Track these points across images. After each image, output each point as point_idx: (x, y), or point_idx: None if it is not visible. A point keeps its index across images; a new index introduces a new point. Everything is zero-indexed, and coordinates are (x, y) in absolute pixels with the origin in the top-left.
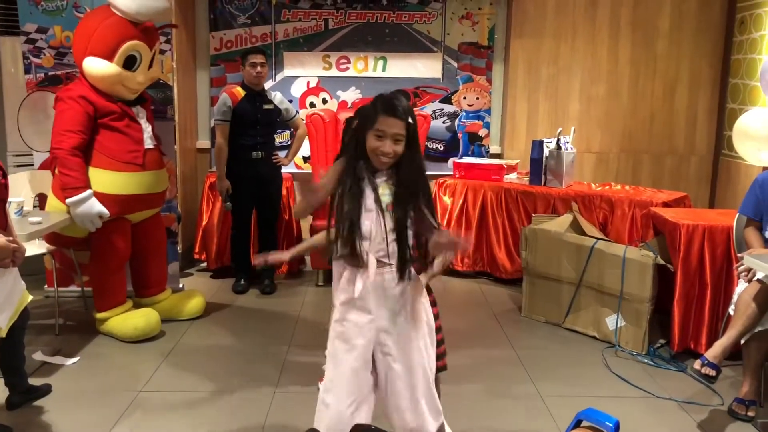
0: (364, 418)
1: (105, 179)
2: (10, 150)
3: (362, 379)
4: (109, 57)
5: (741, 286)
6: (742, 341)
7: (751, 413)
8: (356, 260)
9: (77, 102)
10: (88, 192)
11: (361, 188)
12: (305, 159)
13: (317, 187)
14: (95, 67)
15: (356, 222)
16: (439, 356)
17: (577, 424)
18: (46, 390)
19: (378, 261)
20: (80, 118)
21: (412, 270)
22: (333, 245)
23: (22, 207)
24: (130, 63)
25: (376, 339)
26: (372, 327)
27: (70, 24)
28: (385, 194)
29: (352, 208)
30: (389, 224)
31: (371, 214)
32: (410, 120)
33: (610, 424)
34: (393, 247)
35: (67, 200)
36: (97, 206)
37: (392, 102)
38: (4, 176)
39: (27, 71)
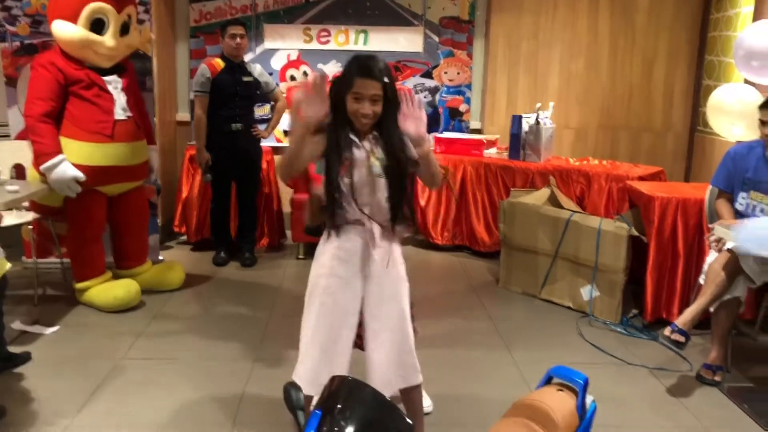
0: (342, 370)
1: (73, 149)
2: None
3: (341, 332)
4: (73, 19)
5: (711, 256)
6: (711, 309)
7: (717, 378)
8: (351, 221)
9: (47, 69)
10: (60, 157)
11: (353, 156)
12: (285, 132)
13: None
14: (62, 30)
15: (357, 189)
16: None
17: (548, 381)
18: (25, 357)
19: (373, 221)
20: (50, 86)
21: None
22: (328, 209)
23: (0, 176)
24: (98, 27)
25: (361, 294)
26: (357, 283)
27: None
28: (376, 162)
29: (347, 175)
30: (383, 189)
31: (365, 180)
32: (386, 80)
33: (580, 381)
34: (386, 210)
35: (41, 167)
36: (70, 170)
37: (367, 63)
38: None
39: (2, 39)
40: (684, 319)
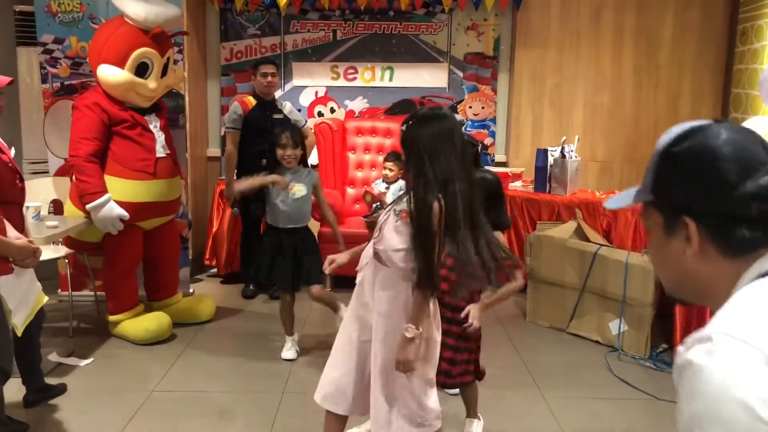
0: (356, 391)
1: (116, 187)
2: (25, 158)
3: (353, 354)
4: (120, 64)
5: None
6: None
7: None
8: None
9: (91, 110)
10: (107, 196)
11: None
12: (313, 167)
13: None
14: (108, 74)
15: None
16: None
17: None
18: (61, 389)
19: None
20: (95, 125)
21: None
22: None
23: (39, 211)
24: (142, 70)
25: (369, 326)
26: (364, 314)
27: (86, 34)
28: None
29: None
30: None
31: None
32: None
33: None
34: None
35: (87, 206)
36: (116, 209)
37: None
38: (21, 180)
39: (44, 81)
40: None
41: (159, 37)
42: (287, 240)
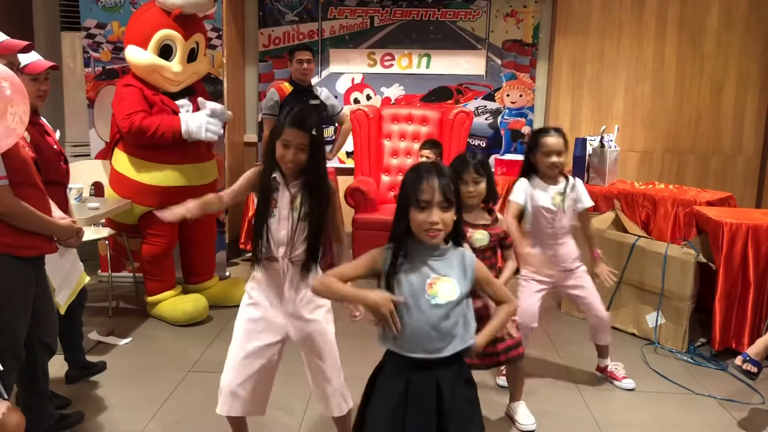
0: (253, 397)
1: (150, 172)
2: (68, 140)
3: (253, 359)
4: (143, 45)
5: None
6: None
7: None
8: (272, 261)
9: (130, 87)
10: (181, 117)
11: (276, 199)
12: (348, 154)
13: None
14: (133, 55)
15: (275, 231)
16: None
17: None
18: (101, 367)
19: (292, 262)
20: (137, 100)
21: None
22: (256, 249)
23: (81, 193)
24: (166, 53)
25: (284, 327)
26: (277, 317)
27: (127, 20)
28: (299, 204)
29: (267, 217)
30: (304, 231)
31: (286, 222)
32: (314, 133)
33: None
34: (303, 252)
35: (182, 133)
36: (199, 115)
37: (300, 116)
38: (65, 162)
39: (86, 65)
40: (756, 348)
41: (184, 21)
42: None
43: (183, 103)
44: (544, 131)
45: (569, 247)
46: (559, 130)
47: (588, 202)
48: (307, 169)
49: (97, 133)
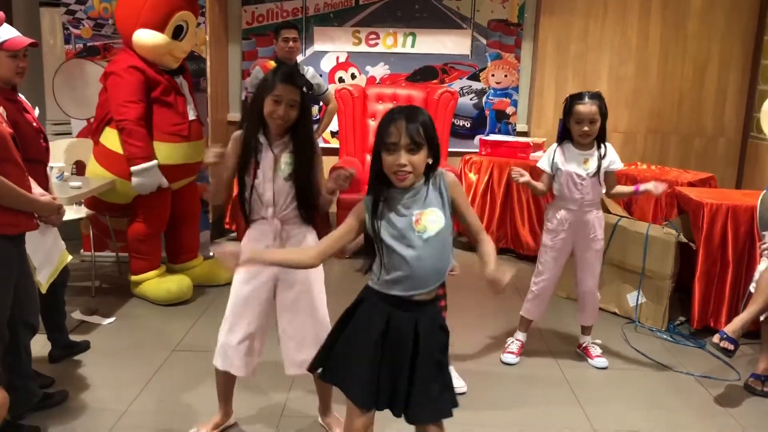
0: (252, 349)
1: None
2: (48, 119)
3: (254, 310)
4: (160, 28)
5: (763, 264)
6: (762, 318)
7: (767, 389)
8: (263, 223)
9: (129, 73)
10: (154, 162)
11: (258, 161)
12: (333, 134)
13: (223, 168)
14: (147, 38)
15: (261, 192)
16: None
17: None
18: (85, 346)
19: (282, 221)
20: (136, 88)
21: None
22: (244, 213)
23: (63, 172)
24: (177, 32)
25: (275, 280)
26: (271, 272)
27: None
28: (285, 165)
29: (253, 179)
30: (290, 190)
31: (270, 183)
32: (305, 89)
33: None
34: (293, 210)
35: (133, 168)
36: (160, 178)
37: (291, 72)
38: (45, 140)
39: (66, 42)
40: (733, 326)
41: None
42: None
43: (180, 81)
44: (578, 97)
45: (594, 218)
46: (595, 96)
47: (618, 164)
48: (297, 125)
49: (60, 107)
